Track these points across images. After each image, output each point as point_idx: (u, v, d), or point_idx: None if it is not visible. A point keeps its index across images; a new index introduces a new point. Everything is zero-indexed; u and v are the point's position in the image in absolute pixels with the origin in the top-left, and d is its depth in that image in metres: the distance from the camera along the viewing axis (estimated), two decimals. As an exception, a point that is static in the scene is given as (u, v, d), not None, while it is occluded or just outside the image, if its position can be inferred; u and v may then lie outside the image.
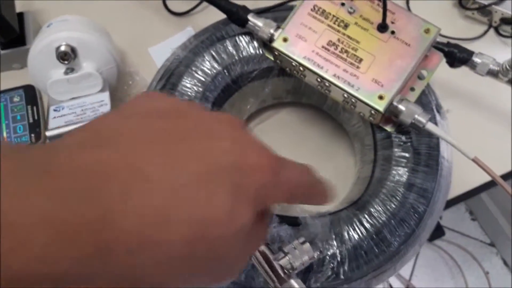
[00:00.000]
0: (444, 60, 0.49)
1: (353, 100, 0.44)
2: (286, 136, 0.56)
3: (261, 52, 0.50)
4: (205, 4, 0.61)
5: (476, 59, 0.48)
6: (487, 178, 0.52)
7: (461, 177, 0.52)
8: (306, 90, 0.53)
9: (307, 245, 0.37)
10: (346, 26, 0.45)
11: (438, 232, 1.42)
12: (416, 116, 0.44)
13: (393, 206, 0.44)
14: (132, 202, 0.20)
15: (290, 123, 0.57)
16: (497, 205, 1.38)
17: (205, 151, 0.23)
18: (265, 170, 0.24)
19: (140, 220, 0.20)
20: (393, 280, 1.39)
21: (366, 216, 0.44)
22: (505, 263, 1.42)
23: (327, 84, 0.45)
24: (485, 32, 0.62)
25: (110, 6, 0.63)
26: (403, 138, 0.47)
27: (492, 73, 0.48)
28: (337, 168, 0.54)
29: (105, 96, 0.51)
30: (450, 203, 0.56)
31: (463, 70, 0.49)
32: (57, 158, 0.20)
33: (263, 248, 0.37)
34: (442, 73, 0.50)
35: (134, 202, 0.20)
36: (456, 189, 0.55)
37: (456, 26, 0.63)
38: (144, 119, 0.23)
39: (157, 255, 0.21)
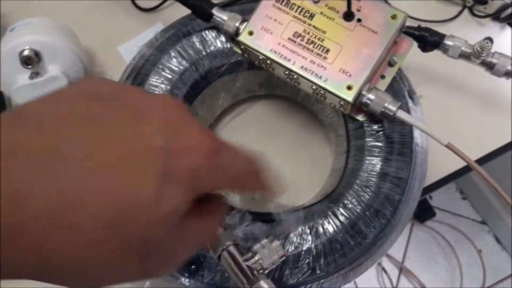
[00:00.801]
0: (416, 44, 0.48)
1: (322, 92, 0.44)
2: (261, 129, 0.55)
3: (229, 46, 0.49)
4: (173, -2, 0.60)
5: (447, 42, 0.47)
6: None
7: (440, 161, 0.51)
8: (279, 82, 0.53)
9: (277, 243, 0.37)
10: (311, 16, 0.44)
11: (429, 213, 1.42)
12: (385, 104, 0.43)
13: (367, 197, 0.44)
14: (40, 183, 0.19)
15: (265, 116, 0.56)
16: (487, 184, 1.38)
17: (131, 133, 0.22)
18: (199, 153, 0.23)
19: (47, 201, 0.19)
20: (386, 263, 1.39)
21: (340, 208, 0.43)
22: (497, 240, 1.43)
23: (295, 76, 0.44)
24: (459, 13, 0.61)
25: (78, 6, 0.62)
26: (375, 127, 0.46)
27: (465, 56, 0.47)
28: (313, 160, 0.54)
29: (72, 99, 0.49)
30: (434, 187, 0.56)
31: (438, 53, 0.48)
32: None
33: (231, 248, 0.36)
34: (416, 58, 0.49)
35: (43, 183, 0.19)
36: (435, 174, 0.54)
37: (430, 8, 0.62)
38: (74, 102, 0.23)
39: (71, 238, 0.20)
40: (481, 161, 0.55)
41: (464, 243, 1.41)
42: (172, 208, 0.22)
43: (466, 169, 0.55)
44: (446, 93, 0.57)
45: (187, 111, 0.25)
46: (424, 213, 1.43)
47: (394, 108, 0.43)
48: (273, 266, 0.36)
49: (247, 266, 0.35)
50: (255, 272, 0.35)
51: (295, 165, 0.53)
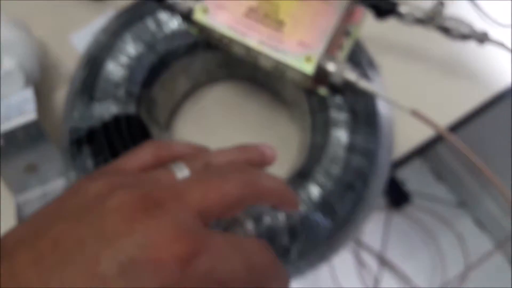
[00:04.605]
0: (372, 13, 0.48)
1: (282, 67, 0.43)
2: (224, 112, 0.54)
3: (185, 26, 0.48)
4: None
5: (401, 8, 0.47)
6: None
7: (406, 134, 0.51)
8: (238, 63, 0.52)
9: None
10: (265, -12, 0.43)
11: (403, 198, 1.43)
12: (346, 74, 0.42)
13: (337, 171, 0.43)
14: None
15: (227, 99, 0.55)
16: (462, 164, 1.39)
17: (86, 265, 0.20)
18: (167, 266, 0.20)
19: None
20: (366, 256, 1.39)
21: (310, 185, 0.43)
22: (476, 221, 1.43)
23: (254, 53, 0.43)
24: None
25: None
26: (338, 99, 0.45)
27: (420, 21, 0.47)
28: (280, 139, 0.53)
29: (29, 93, 0.48)
30: (403, 161, 0.55)
31: (394, 23, 0.48)
32: None
33: None
34: (374, 29, 0.49)
35: None
36: (403, 147, 0.54)
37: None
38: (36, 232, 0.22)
39: None
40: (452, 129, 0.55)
41: (443, 227, 1.42)
42: None
43: (434, 141, 0.54)
44: (407, 62, 0.57)
45: (154, 206, 0.22)
46: (398, 198, 1.43)
47: (354, 78, 0.43)
48: None
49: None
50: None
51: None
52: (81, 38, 0.57)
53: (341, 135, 0.44)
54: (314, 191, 0.43)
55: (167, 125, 0.53)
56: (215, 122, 0.54)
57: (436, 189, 1.48)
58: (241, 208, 0.25)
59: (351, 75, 0.43)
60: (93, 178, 0.24)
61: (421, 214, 1.43)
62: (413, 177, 1.47)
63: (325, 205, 0.42)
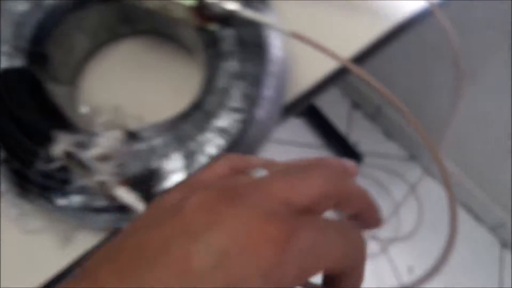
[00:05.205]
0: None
1: (168, 5, 0.44)
2: (132, 67, 0.55)
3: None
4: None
5: None
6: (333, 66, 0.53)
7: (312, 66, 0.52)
8: (136, 15, 0.52)
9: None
10: None
11: (355, 158, 1.46)
12: (226, 5, 0.43)
13: (227, 98, 0.44)
14: None
15: (133, 54, 0.55)
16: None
17: (181, 265, 0.19)
18: (264, 252, 0.19)
19: None
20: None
21: (204, 114, 0.44)
22: (426, 171, 1.47)
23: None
24: None
25: None
26: (228, 32, 0.46)
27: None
28: (188, 85, 0.53)
29: None
30: (314, 92, 0.56)
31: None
32: None
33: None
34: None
35: None
36: (308, 79, 0.55)
37: None
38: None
39: None
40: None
41: (395, 180, 1.45)
42: None
43: (340, 72, 0.55)
44: (306, 6, 0.58)
45: (235, 197, 0.21)
46: (351, 159, 1.47)
47: (236, 7, 0.44)
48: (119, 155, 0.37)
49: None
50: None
51: (174, 97, 0.53)
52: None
53: (230, 65, 0.46)
54: (208, 119, 0.44)
55: (71, 81, 0.53)
56: (123, 78, 0.54)
57: (387, 147, 1.51)
58: (327, 205, 0.24)
59: (232, 5, 0.44)
60: (170, 191, 0.24)
61: (374, 171, 1.46)
62: (365, 138, 1.50)
63: (218, 128, 0.44)
